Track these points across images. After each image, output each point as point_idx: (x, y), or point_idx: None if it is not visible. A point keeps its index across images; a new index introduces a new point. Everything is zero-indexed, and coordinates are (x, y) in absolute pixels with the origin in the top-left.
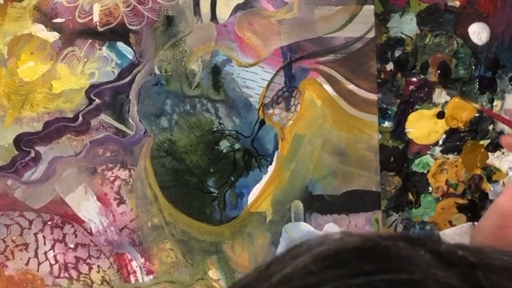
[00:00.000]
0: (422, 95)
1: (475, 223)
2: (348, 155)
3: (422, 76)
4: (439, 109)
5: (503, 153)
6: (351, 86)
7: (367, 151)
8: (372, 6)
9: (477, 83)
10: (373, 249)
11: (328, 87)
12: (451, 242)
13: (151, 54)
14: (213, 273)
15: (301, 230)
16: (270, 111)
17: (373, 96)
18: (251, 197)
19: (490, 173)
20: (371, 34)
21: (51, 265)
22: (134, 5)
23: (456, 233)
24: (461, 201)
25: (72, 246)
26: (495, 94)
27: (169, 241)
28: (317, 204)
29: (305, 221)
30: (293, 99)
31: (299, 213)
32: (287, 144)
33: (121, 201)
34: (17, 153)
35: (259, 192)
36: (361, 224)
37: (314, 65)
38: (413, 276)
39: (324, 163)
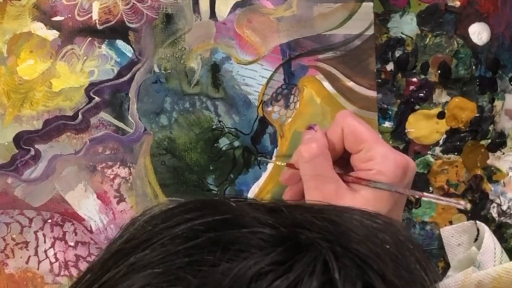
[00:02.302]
0: (422, 95)
1: (477, 221)
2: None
3: (423, 76)
4: (439, 109)
5: (504, 153)
6: (351, 83)
7: None
8: (371, 3)
9: (478, 83)
10: (194, 203)
11: (327, 84)
12: (451, 239)
13: (151, 52)
14: None
15: None
16: (269, 108)
17: (373, 93)
18: (251, 195)
19: (491, 173)
20: (370, 31)
21: (51, 263)
22: (133, 3)
23: (456, 230)
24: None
25: (72, 244)
26: (496, 94)
27: None
28: None
29: None
30: (292, 96)
31: None
32: (286, 142)
33: (121, 199)
34: (17, 151)
35: (258, 190)
36: None
37: (313, 62)
38: (226, 216)
39: None
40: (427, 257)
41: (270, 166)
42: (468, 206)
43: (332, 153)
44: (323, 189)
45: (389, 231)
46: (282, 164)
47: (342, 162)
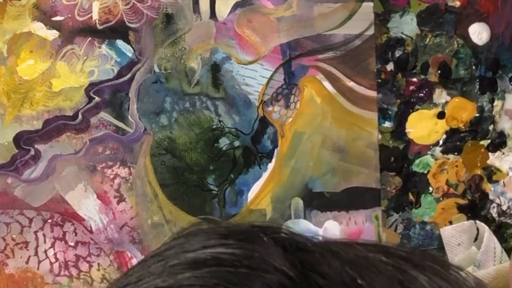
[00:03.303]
0: (422, 95)
1: (477, 221)
2: (348, 152)
3: (423, 76)
4: (439, 109)
5: (504, 153)
6: (351, 83)
7: (367, 148)
8: (371, 3)
9: (478, 83)
10: (230, 227)
11: (327, 84)
12: (451, 238)
13: (151, 52)
14: None
15: (301, 227)
16: (270, 108)
17: (373, 93)
18: (251, 195)
19: (491, 173)
20: (370, 31)
21: (51, 263)
22: (133, 3)
23: (456, 230)
24: (461, 201)
25: (72, 244)
26: (496, 94)
27: None
28: (317, 201)
29: (305, 218)
30: (292, 96)
31: (299, 210)
32: (286, 141)
33: (121, 199)
34: (17, 151)
35: (259, 190)
36: (361, 221)
37: (314, 62)
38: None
39: (323, 160)
40: None
41: (270, 166)
42: None
43: None
44: None
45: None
46: None
47: None
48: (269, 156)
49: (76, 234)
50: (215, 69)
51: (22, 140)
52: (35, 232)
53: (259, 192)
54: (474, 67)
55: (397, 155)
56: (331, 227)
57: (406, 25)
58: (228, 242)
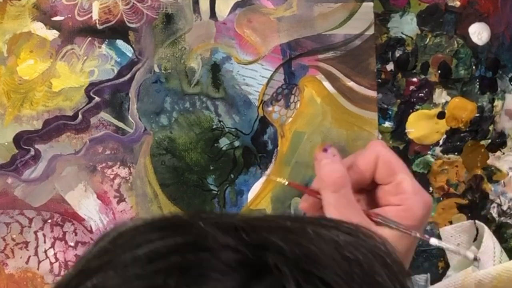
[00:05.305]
0: (422, 95)
1: (476, 221)
2: (348, 152)
3: (423, 76)
4: (439, 109)
5: (504, 153)
6: (351, 83)
7: None
8: (371, 3)
9: (478, 83)
10: (158, 222)
11: (327, 84)
12: (450, 238)
13: (151, 52)
14: None
15: None
16: (270, 108)
17: (373, 93)
18: (251, 195)
19: (491, 173)
20: (370, 31)
21: (51, 263)
22: (133, 3)
23: (456, 230)
24: (461, 201)
25: (72, 244)
26: (496, 94)
27: None
28: None
29: None
30: (292, 96)
31: (299, 210)
32: (286, 142)
33: (121, 199)
34: (17, 151)
35: (258, 190)
36: None
37: (314, 62)
38: (188, 239)
39: None
40: (406, 272)
41: (270, 167)
42: (478, 258)
43: (360, 181)
44: (348, 218)
45: (363, 246)
46: (284, 182)
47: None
48: (269, 156)
49: (76, 234)
50: (215, 69)
51: (22, 140)
52: (35, 232)
53: (259, 192)
54: (474, 67)
55: (397, 155)
56: None
57: (406, 25)
58: (166, 234)
